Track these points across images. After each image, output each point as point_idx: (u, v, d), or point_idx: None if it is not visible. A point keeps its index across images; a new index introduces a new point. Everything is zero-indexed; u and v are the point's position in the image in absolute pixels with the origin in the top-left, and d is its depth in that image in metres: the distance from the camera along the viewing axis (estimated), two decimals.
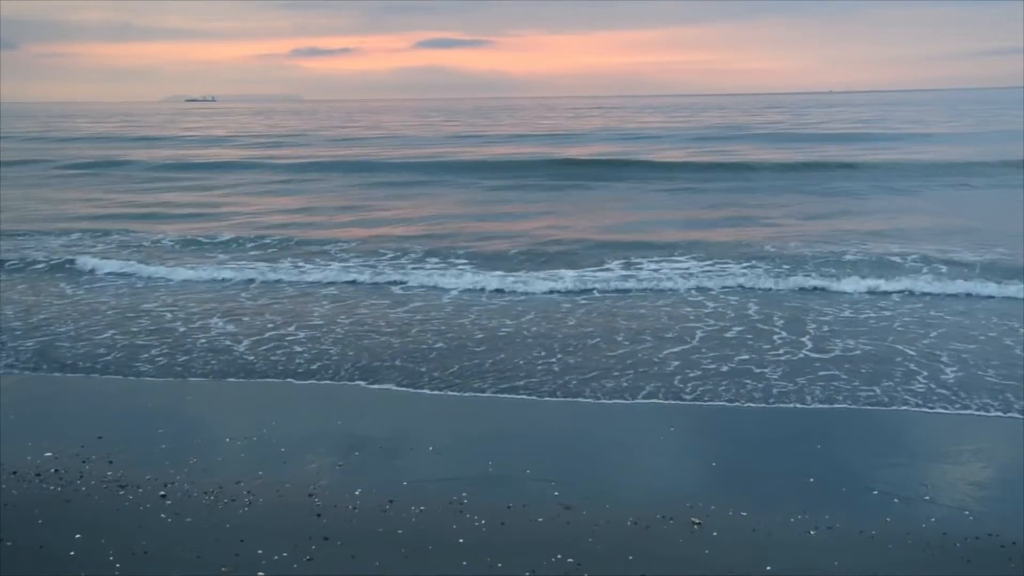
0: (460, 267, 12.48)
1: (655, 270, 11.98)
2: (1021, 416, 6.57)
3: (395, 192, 22.97)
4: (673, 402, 7.02)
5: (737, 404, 6.92)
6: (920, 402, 6.91)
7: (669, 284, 11.15)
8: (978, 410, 6.71)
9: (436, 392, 7.37)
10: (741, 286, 11.01)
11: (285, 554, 4.55)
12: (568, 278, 11.49)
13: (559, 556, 4.54)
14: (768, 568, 4.44)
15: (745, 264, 12.21)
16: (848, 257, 12.69)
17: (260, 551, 4.58)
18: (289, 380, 7.69)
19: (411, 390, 7.43)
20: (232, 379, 7.76)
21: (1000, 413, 6.65)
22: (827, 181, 23.04)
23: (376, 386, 7.53)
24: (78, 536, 4.76)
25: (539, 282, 11.33)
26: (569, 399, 7.16)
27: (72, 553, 4.59)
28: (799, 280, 11.12)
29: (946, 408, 6.78)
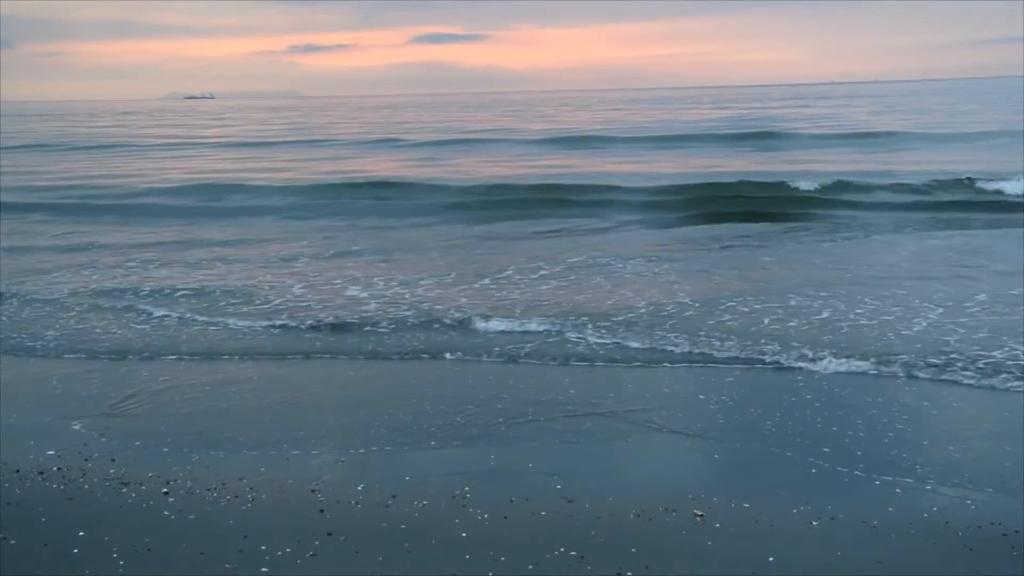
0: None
1: None
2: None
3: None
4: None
5: (735, 400, 6.94)
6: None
7: None
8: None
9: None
10: None
11: (288, 550, 4.56)
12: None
13: (562, 549, 4.55)
14: (771, 559, 4.44)
15: None
16: None
17: (263, 547, 4.58)
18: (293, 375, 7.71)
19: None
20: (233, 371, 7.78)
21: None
22: None
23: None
24: (81, 534, 4.77)
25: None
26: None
27: (75, 551, 4.60)
28: None
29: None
